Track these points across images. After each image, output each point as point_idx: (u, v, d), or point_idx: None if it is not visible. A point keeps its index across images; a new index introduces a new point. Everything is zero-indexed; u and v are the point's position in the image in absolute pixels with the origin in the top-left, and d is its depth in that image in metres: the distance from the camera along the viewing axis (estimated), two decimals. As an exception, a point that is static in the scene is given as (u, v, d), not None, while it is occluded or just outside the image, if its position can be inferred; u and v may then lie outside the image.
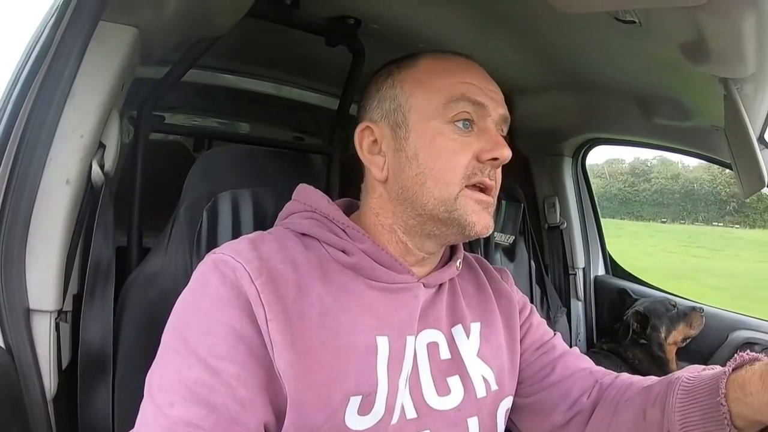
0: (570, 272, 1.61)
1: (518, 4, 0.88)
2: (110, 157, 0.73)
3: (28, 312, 0.62)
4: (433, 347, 0.59)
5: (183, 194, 0.82)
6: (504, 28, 1.01)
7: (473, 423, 0.59)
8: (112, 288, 0.74)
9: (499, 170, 0.61)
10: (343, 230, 0.58)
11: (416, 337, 0.58)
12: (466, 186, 0.57)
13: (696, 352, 1.48)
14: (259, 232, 0.58)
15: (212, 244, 0.79)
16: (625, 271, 1.72)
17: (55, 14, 0.62)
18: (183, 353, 0.49)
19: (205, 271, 0.53)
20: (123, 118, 0.99)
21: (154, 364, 0.51)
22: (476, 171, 0.57)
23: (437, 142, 0.57)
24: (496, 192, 0.61)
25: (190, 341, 0.49)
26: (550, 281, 1.58)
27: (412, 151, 0.58)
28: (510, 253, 1.45)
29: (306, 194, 0.62)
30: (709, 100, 0.96)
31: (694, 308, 1.47)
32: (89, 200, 0.71)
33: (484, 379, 0.62)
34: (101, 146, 0.72)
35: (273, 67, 1.35)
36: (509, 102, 1.40)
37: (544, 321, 0.75)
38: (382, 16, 0.99)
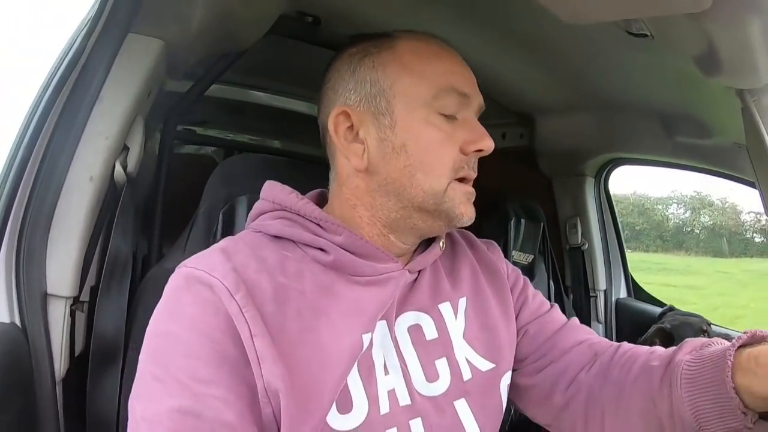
0: (591, 294, 1.55)
1: (524, 17, 0.86)
2: (133, 159, 0.78)
3: (45, 296, 0.67)
4: (416, 330, 0.58)
5: (203, 199, 0.86)
6: (521, 48, 1.00)
7: (461, 405, 0.58)
8: (128, 281, 0.78)
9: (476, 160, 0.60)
10: (318, 224, 0.55)
11: (395, 321, 0.57)
12: (454, 179, 0.56)
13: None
14: (230, 239, 0.55)
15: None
16: (648, 294, 1.64)
17: (87, 25, 0.68)
18: (163, 379, 0.46)
19: (177, 289, 0.50)
20: (154, 130, 1.05)
21: (134, 391, 0.48)
22: (462, 164, 0.57)
23: (426, 134, 0.55)
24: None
25: (169, 367, 0.46)
26: (571, 303, 1.53)
27: (399, 142, 0.55)
28: (529, 272, 1.42)
29: (273, 192, 0.59)
30: (729, 116, 0.92)
31: (728, 336, 1.38)
32: (111, 199, 0.76)
33: (468, 362, 0.60)
34: (125, 149, 0.77)
35: (304, 85, 1.37)
36: (532, 122, 1.39)
37: (539, 292, 0.72)
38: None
